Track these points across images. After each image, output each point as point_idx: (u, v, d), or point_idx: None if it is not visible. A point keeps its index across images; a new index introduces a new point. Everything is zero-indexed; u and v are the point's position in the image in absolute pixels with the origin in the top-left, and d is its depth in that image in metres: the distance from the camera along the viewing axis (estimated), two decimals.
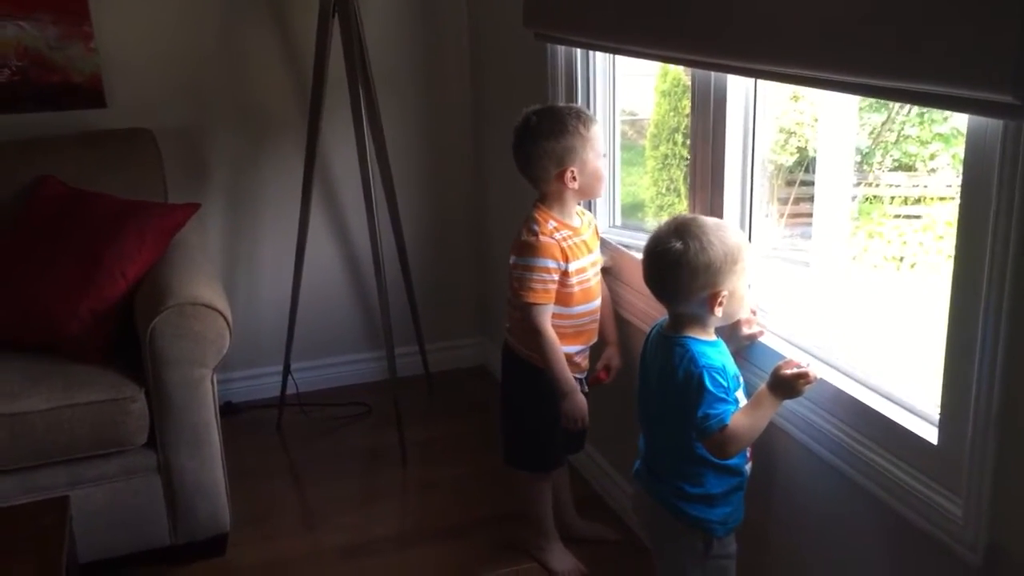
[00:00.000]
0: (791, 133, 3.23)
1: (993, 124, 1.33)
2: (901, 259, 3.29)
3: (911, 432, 1.59)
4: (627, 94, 3.24)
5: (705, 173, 2.12)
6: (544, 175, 2.22)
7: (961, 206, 1.43)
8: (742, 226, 2.07)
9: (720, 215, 2.07)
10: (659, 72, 3.18)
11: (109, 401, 2.33)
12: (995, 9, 1.18)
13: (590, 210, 2.66)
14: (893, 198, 3.40)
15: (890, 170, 3.33)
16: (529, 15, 2.62)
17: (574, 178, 2.20)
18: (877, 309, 2.86)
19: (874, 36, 1.39)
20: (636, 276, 1.92)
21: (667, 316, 1.89)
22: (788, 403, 1.78)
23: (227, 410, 3.33)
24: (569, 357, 2.27)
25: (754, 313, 1.96)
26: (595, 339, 2.36)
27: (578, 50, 2.61)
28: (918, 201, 3.37)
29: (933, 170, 3.18)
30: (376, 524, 2.78)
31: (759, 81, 1.98)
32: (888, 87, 1.42)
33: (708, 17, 1.81)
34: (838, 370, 1.80)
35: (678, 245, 1.77)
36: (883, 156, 3.31)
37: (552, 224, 2.23)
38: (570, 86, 2.67)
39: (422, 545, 2.67)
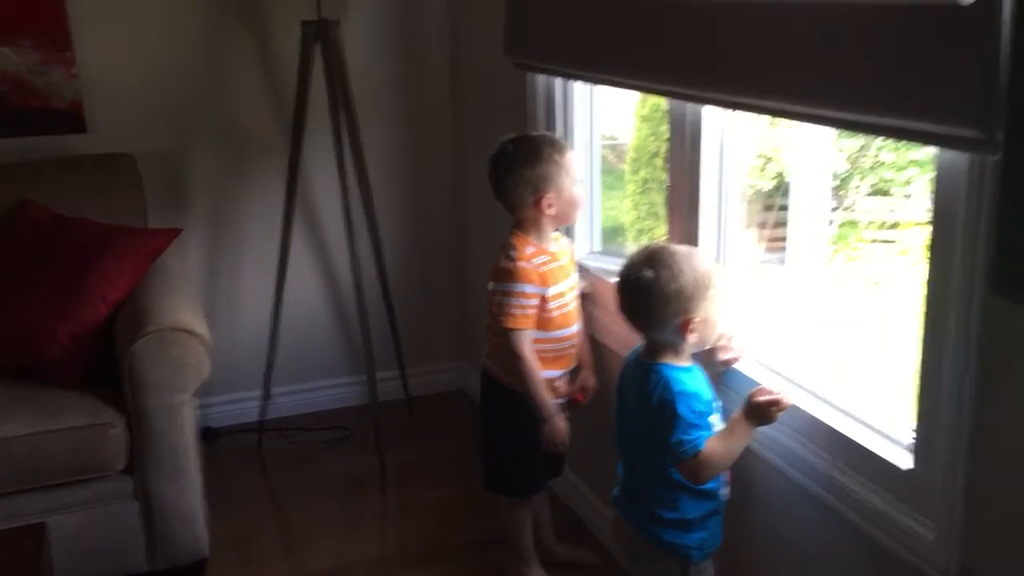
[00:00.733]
0: (769, 158, 3.27)
1: (960, 156, 1.36)
2: (877, 283, 3.33)
3: (884, 457, 1.61)
4: (607, 119, 3.27)
5: (682, 198, 2.14)
6: (521, 202, 2.24)
7: (931, 234, 1.46)
8: (717, 251, 2.10)
9: (696, 240, 2.10)
10: (638, 97, 3.22)
11: (88, 427, 2.32)
12: (960, 48, 1.22)
13: (569, 235, 2.69)
14: (870, 223, 3.44)
15: (867, 195, 3.38)
16: (509, 44, 2.65)
17: (550, 205, 2.23)
18: (853, 334, 2.89)
19: (845, 72, 1.42)
20: (613, 301, 1.94)
21: (643, 343, 1.91)
22: (765, 429, 1.80)
23: (207, 435, 3.31)
24: (550, 382, 2.29)
25: (730, 339, 1.98)
26: (575, 364, 2.37)
27: (557, 78, 2.64)
28: (894, 226, 3.42)
29: (908, 195, 3.22)
30: (357, 549, 2.77)
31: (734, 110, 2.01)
32: (859, 121, 1.45)
33: (683, 50, 1.84)
34: (814, 395, 1.82)
35: (649, 274, 1.79)
36: (860, 181, 3.36)
37: (530, 249, 2.25)
38: (550, 113, 2.69)
39: (403, 570, 2.66)
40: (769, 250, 3.20)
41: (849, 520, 1.66)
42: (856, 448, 1.66)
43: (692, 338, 1.81)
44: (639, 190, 3.54)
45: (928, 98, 1.27)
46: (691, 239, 2.11)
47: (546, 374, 2.27)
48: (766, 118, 2.37)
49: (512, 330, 2.22)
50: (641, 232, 3.53)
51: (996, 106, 1.19)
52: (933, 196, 1.45)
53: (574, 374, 2.39)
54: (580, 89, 2.65)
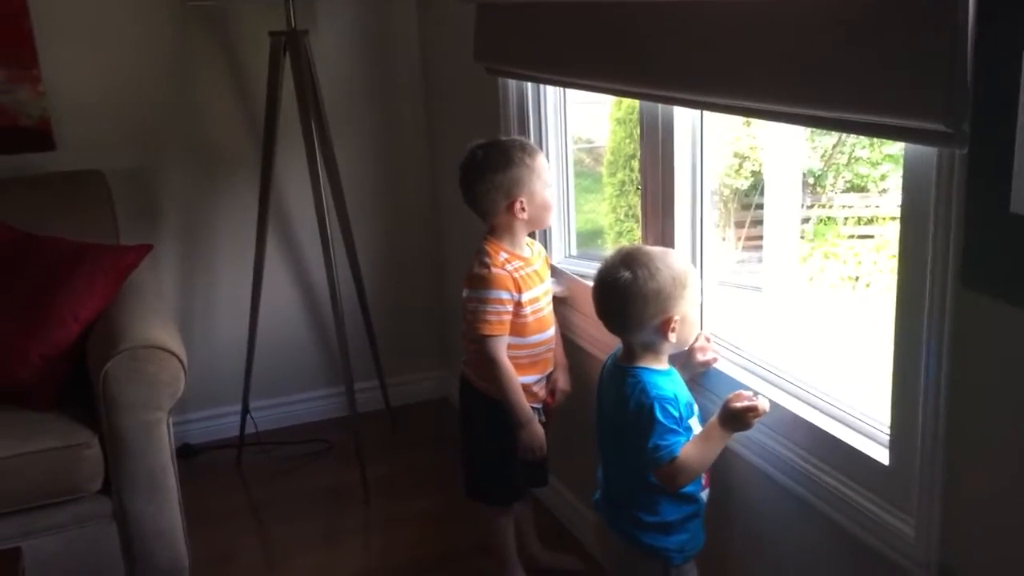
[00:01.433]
0: (745, 157, 3.28)
1: (929, 150, 1.36)
2: (856, 279, 3.34)
3: (863, 453, 1.60)
4: (583, 122, 3.27)
5: (656, 200, 2.14)
6: (494, 208, 2.23)
7: (901, 229, 1.46)
8: (693, 251, 2.09)
9: (672, 241, 2.09)
10: (614, 100, 3.22)
11: (62, 448, 2.29)
12: (927, 44, 1.22)
13: (545, 239, 2.68)
14: (847, 219, 3.45)
15: (842, 191, 3.39)
16: (480, 50, 2.65)
17: (523, 209, 2.22)
18: (830, 330, 2.90)
19: (813, 69, 1.42)
20: (591, 305, 1.93)
21: (621, 346, 1.90)
22: None
23: (185, 452, 3.29)
24: (526, 387, 2.27)
25: (708, 340, 1.98)
26: (551, 368, 2.36)
27: (528, 83, 2.63)
28: (871, 221, 3.43)
29: (884, 190, 3.23)
30: (340, 562, 2.75)
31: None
32: (827, 117, 1.45)
33: (650, 51, 1.84)
34: (791, 394, 1.82)
35: (627, 274, 1.79)
36: (835, 178, 3.36)
37: (503, 256, 2.24)
38: (522, 117, 2.68)
39: None
40: (747, 249, 3.21)
41: (830, 518, 1.66)
42: (835, 445, 1.66)
43: (672, 337, 1.80)
44: (616, 192, 3.54)
45: (894, 93, 1.28)
46: (667, 240, 2.10)
47: (523, 379, 2.26)
48: (739, 117, 2.37)
49: (488, 337, 2.21)
50: (620, 235, 3.53)
51: (962, 100, 1.19)
52: (903, 191, 1.45)
53: (550, 378, 2.38)
54: (552, 94, 2.64)
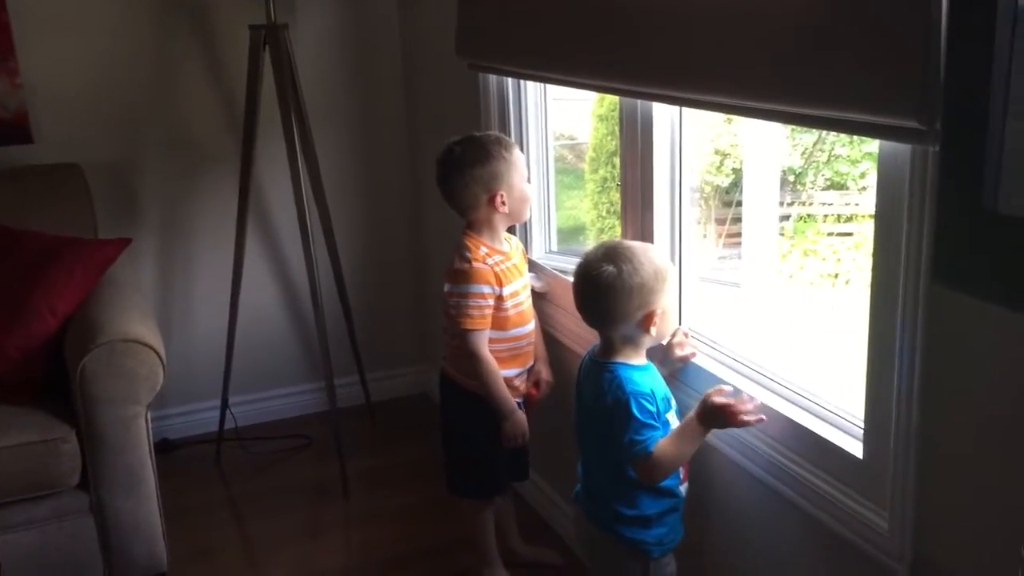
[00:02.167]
0: (726, 155, 3.29)
1: (903, 148, 1.37)
2: (836, 276, 3.36)
3: (838, 447, 1.62)
4: (565, 118, 3.27)
5: (635, 196, 2.14)
6: (474, 202, 2.23)
7: (876, 225, 1.48)
8: (672, 247, 2.10)
9: (651, 237, 2.10)
10: (596, 97, 3.22)
11: (39, 442, 2.27)
12: (901, 41, 1.23)
13: (526, 234, 2.68)
14: (826, 216, 3.47)
15: (822, 189, 3.40)
16: (461, 45, 2.65)
17: (503, 202, 2.22)
18: (809, 326, 2.91)
19: (790, 66, 1.43)
20: (572, 300, 1.94)
21: (599, 341, 1.91)
22: None
23: (164, 447, 3.27)
24: (508, 380, 2.28)
25: (686, 336, 1.99)
26: (532, 362, 2.37)
27: (509, 79, 2.63)
28: (850, 219, 3.45)
29: (864, 188, 3.25)
30: (320, 557, 2.75)
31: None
32: (804, 114, 1.46)
33: (629, 48, 1.85)
34: (768, 389, 1.83)
35: (611, 269, 1.80)
36: (815, 176, 3.38)
37: (483, 250, 2.24)
38: (503, 113, 2.69)
39: None
40: (728, 245, 3.22)
41: (806, 511, 1.67)
42: (811, 439, 1.67)
43: (654, 331, 1.81)
44: (599, 189, 3.54)
45: (869, 90, 1.29)
46: (646, 236, 2.11)
47: (504, 373, 2.26)
48: (720, 114, 2.38)
49: (470, 331, 2.21)
50: (602, 231, 3.53)
51: (935, 97, 1.20)
52: (877, 188, 1.47)
53: (531, 371, 2.39)
54: (532, 90, 2.64)
